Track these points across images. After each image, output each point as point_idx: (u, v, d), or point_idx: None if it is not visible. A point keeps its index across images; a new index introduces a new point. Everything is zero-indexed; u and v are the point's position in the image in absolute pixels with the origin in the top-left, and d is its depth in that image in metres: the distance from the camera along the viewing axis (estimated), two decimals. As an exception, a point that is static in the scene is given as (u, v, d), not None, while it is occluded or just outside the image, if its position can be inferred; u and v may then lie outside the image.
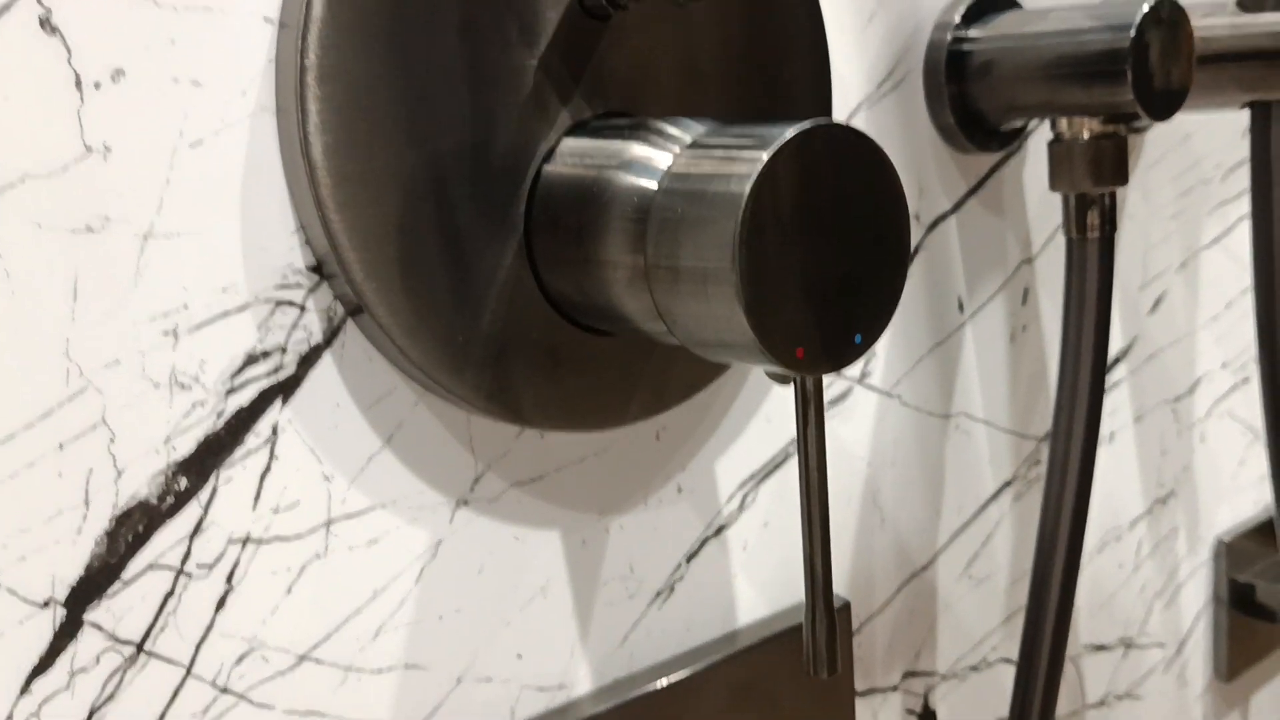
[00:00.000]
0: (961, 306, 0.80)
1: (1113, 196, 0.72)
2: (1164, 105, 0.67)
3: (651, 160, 0.52)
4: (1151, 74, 0.66)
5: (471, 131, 0.54)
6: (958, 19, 0.74)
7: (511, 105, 0.55)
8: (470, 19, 0.53)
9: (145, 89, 0.47)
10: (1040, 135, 0.81)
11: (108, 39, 0.46)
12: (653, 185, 0.51)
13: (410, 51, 0.51)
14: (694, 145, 0.51)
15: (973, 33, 0.74)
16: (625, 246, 0.52)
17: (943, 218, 0.77)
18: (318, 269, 0.52)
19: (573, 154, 0.56)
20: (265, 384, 0.51)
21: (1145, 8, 0.66)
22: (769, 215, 0.47)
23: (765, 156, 0.47)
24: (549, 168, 0.56)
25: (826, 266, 0.49)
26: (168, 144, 0.48)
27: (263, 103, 0.50)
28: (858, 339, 0.50)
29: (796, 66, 0.65)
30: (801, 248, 0.48)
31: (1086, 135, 0.70)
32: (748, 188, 0.47)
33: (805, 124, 0.48)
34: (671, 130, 0.53)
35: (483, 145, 0.54)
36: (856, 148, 0.49)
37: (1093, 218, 0.72)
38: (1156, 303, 0.95)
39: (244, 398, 0.51)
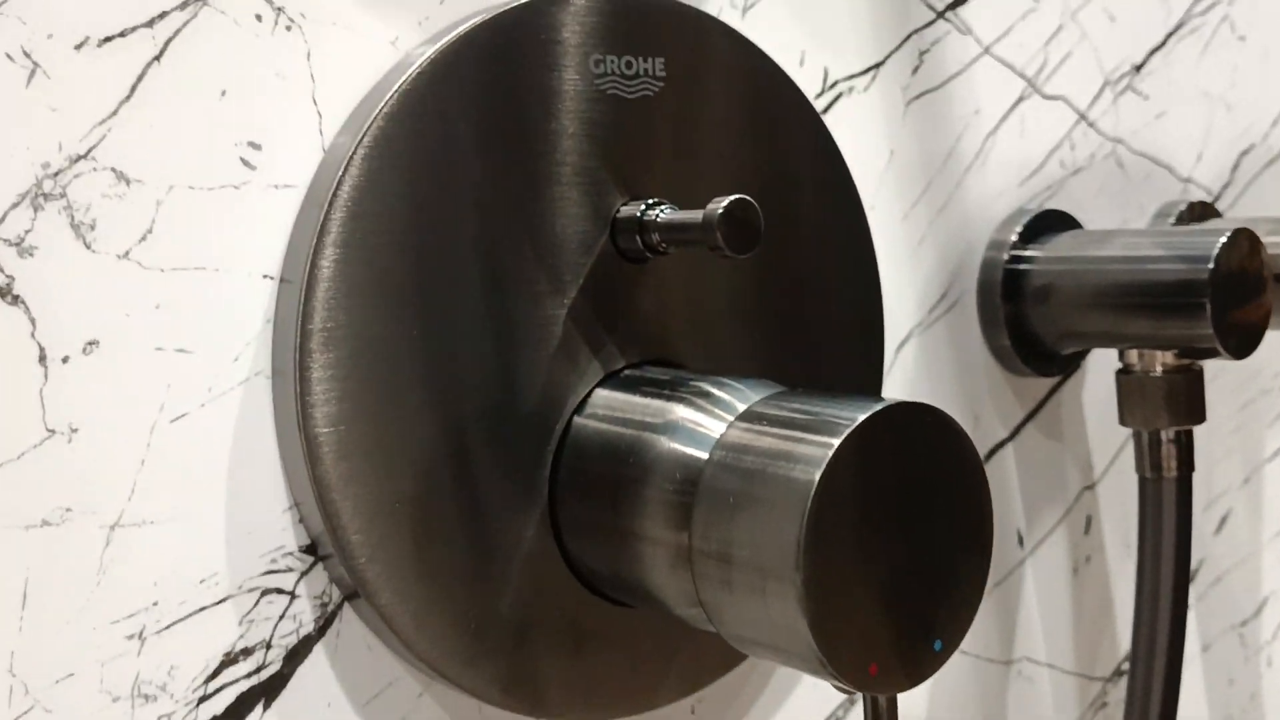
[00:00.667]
0: (1021, 541, 0.73)
1: (1189, 435, 0.65)
2: (1243, 341, 0.61)
3: (699, 426, 0.46)
4: (1230, 308, 0.61)
5: (495, 391, 0.48)
6: (1014, 238, 0.69)
7: (539, 359, 0.49)
8: (495, 271, 0.47)
9: (122, 361, 0.41)
10: (1099, 353, 0.75)
11: (80, 307, 0.40)
12: (701, 455, 0.45)
13: (429, 310, 0.46)
14: (750, 416, 0.45)
15: (1031, 252, 0.68)
16: (666, 522, 0.46)
17: (999, 446, 0.71)
18: (312, 549, 0.46)
19: (607, 408, 0.50)
20: (246, 685, 0.44)
21: (1223, 239, 0.60)
22: (838, 510, 0.40)
23: (835, 444, 0.40)
24: (580, 420, 0.50)
25: (901, 564, 0.42)
26: (145, 420, 0.42)
27: (257, 367, 0.44)
28: (937, 645, 0.43)
29: (846, 300, 0.59)
30: (874, 544, 0.41)
31: (1159, 369, 0.64)
32: (816, 477, 0.40)
33: (876, 405, 0.41)
34: (719, 393, 0.47)
35: (507, 404, 0.48)
36: (932, 428, 0.42)
37: (1168, 457, 0.65)
38: (1221, 522, 0.88)
39: (220, 704, 0.43)
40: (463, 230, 0.46)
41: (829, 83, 0.61)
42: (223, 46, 0.43)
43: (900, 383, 0.65)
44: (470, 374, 0.47)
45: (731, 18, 0.57)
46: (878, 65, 0.63)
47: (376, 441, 0.45)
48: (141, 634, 0.42)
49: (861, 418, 0.41)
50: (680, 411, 0.47)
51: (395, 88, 0.45)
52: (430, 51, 0.46)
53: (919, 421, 0.42)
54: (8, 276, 0.39)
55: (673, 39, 0.52)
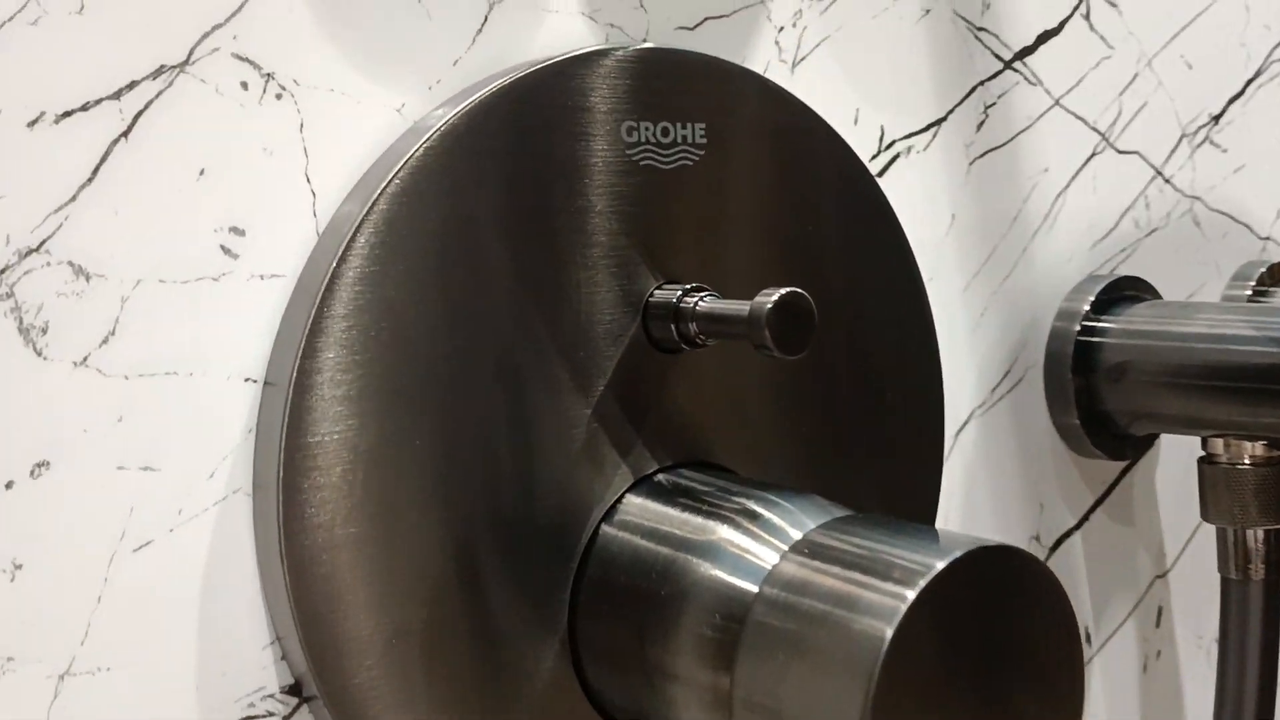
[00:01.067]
0: (1089, 638, 0.66)
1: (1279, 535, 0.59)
2: (1349, 431, 0.55)
3: (746, 554, 0.40)
4: (1334, 396, 0.54)
5: (511, 501, 0.42)
6: (1086, 307, 0.62)
7: (561, 462, 0.43)
8: (513, 365, 0.42)
9: (77, 484, 0.36)
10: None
11: (28, 425, 0.35)
12: (748, 588, 0.39)
13: (436, 415, 0.40)
14: (807, 548, 0.39)
15: (1105, 324, 0.62)
16: (703, 661, 0.40)
17: (1066, 536, 0.64)
18: (296, 690, 0.40)
19: (638, 518, 0.44)
20: (221, 847, 0.38)
21: (1328, 319, 0.54)
22: (911, 671, 0.34)
23: (909, 595, 0.34)
24: (607, 530, 0.44)
25: (980, 731, 0.36)
26: (103, 551, 0.36)
27: (235, 484, 0.38)
28: (1019, 822, 0.37)
29: (903, 383, 0.53)
30: (949, 709, 0.35)
31: (1248, 461, 0.58)
32: (887, 634, 0.34)
33: (955, 549, 0.35)
34: (769, 513, 0.41)
35: (525, 515, 0.42)
36: (1020, 575, 0.36)
37: (1256, 558, 0.59)
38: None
39: None
40: (477, 321, 0.41)
41: (885, 142, 0.55)
42: (202, 119, 0.37)
43: (960, 469, 0.59)
44: (483, 483, 0.41)
45: (779, 74, 0.51)
46: (939, 121, 0.57)
47: (373, 567, 0.39)
48: (96, 799, 0.36)
49: (940, 565, 0.35)
50: (723, 532, 0.41)
51: (402, 162, 0.39)
52: (443, 120, 0.40)
53: (1005, 568, 0.36)
54: (-58, 391, 0.33)
55: (714, 102, 0.46)
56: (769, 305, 0.40)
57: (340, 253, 0.38)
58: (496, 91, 0.41)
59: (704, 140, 0.46)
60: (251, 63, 0.38)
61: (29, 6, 0.34)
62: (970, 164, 0.58)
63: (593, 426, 0.44)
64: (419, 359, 0.40)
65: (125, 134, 0.36)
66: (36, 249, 0.35)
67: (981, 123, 0.59)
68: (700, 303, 0.44)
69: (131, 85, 0.36)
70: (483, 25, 0.43)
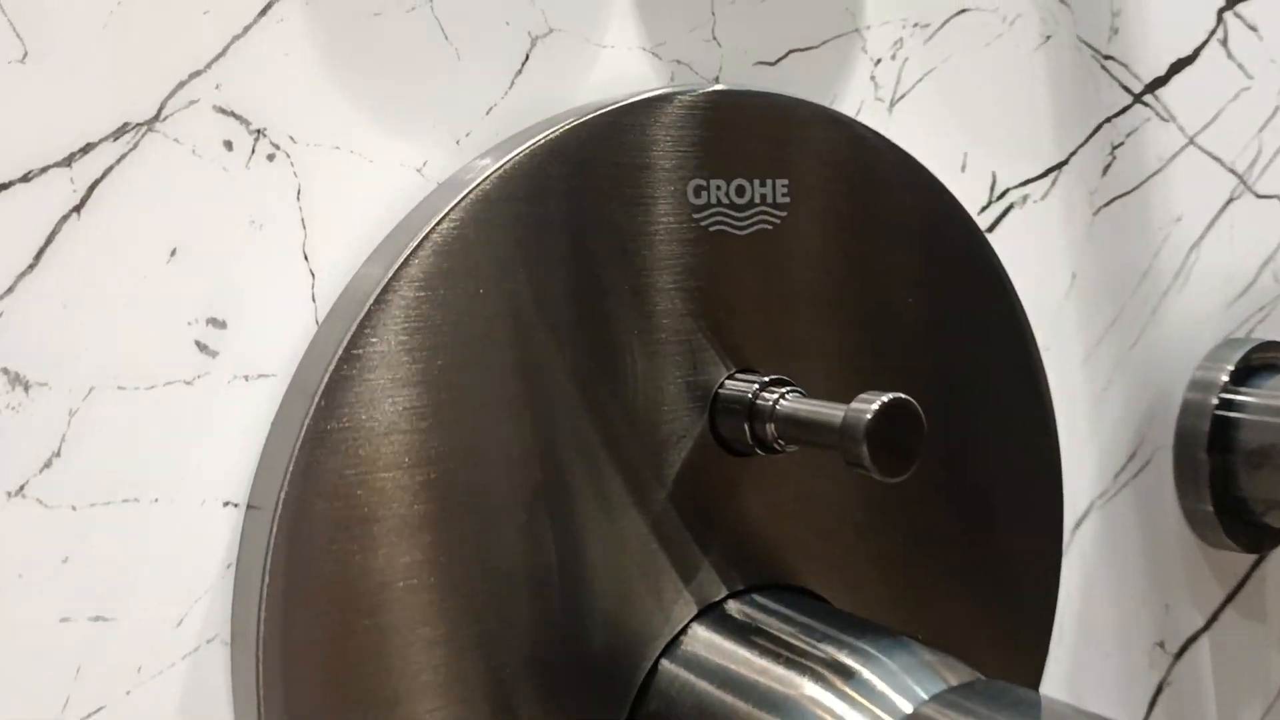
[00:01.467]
0: (1215, 754, 0.58)
1: None
2: None
3: (836, 723, 0.32)
4: None
5: (552, 635, 0.35)
6: (1224, 377, 0.54)
7: (615, 584, 0.36)
8: (557, 473, 0.34)
9: (8, 642, 0.29)
10: (1317, 513, 0.60)
11: (-49, 569, 0.28)
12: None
13: (458, 542, 0.33)
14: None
15: (1245, 396, 0.53)
16: None
17: (1193, 639, 0.56)
18: None
19: (706, 657, 0.37)
20: None
21: None
22: None
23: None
24: (668, 667, 0.37)
25: None
26: (45, 722, 0.29)
27: (210, 631, 0.31)
28: None
29: (1017, 477, 0.45)
30: None
31: None
32: None
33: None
34: (866, 671, 0.33)
35: (569, 651, 0.35)
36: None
37: None
38: None
39: None
40: (514, 423, 0.33)
41: (997, 192, 0.47)
42: (175, 188, 0.30)
43: (1077, 569, 0.51)
44: (522, 616, 0.34)
45: (875, 115, 0.43)
46: (1059, 166, 0.49)
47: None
48: None
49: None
50: (809, 689, 0.33)
51: (423, 234, 0.32)
52: (473, 183, 0.33)
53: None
54: None
55: (798, 153, 0.39)
56: (868, 416, 0.32)
57: (343, 347, 0.31)
58: (538, 147, 0.34)
59: (786, 199, 0.38)
60: (238, 117, 0.31)
61: (-46, 54, 0.28)
62: (1094, 214, 0.50)
63: (651, 543, 0.36)
64: (444, 480, 0.33)
65: (77, 208, 0.29)
66: (-37, 353, 0.28)
67: (1108, 165, 0.50)
68: (781, 401, 0.36)
69: (86, 149, 0.29)
70: (523, 65, 0.36)
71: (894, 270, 0.41)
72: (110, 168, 0.29)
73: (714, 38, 0.39)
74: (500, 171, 0.33)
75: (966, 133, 0.46)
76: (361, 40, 0.33)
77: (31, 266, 0.29)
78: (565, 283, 0.34)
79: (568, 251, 0.34)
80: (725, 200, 0.37)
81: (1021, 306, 0.45)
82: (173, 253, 0.30)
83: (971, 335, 0.44)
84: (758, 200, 0.38)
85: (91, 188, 0.29)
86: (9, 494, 0.29)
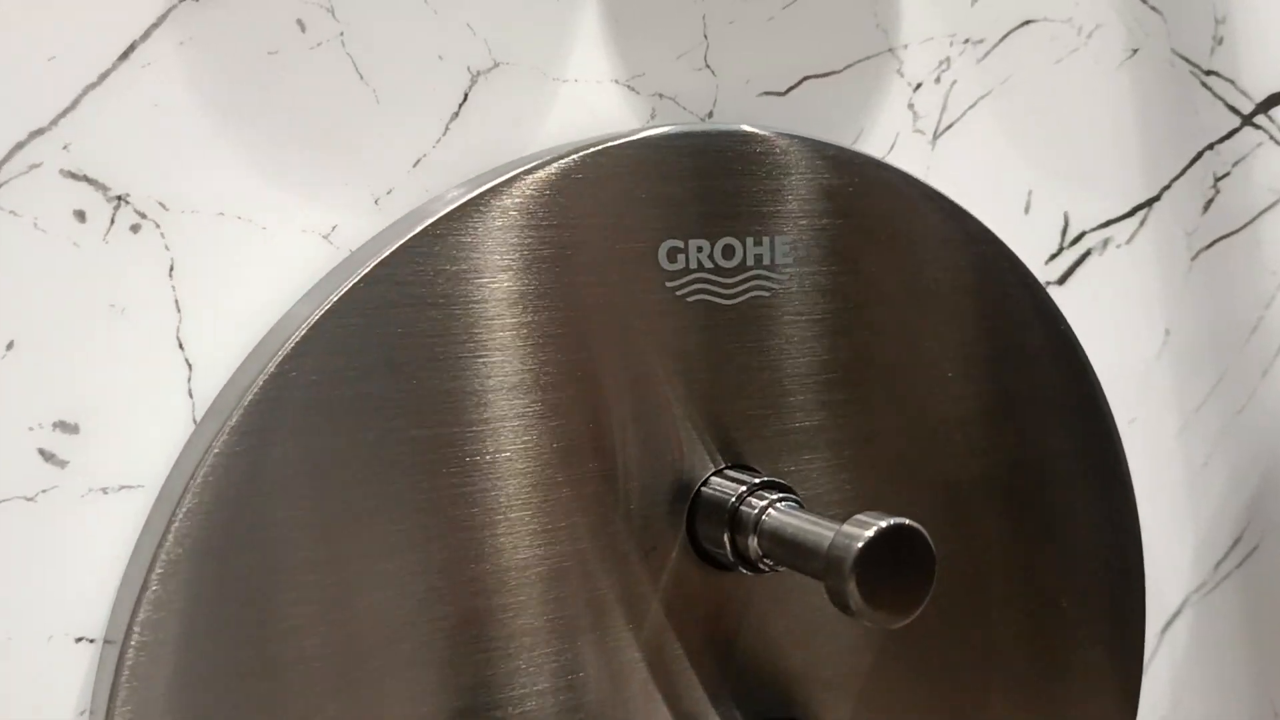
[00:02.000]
0: None
1: None
2: None
3: None
4: None
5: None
6: (1352, 451, 0.45)
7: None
8: (485, 607, 0.29)
9: None
10: None
11: None
12: None
13: (349, 687, 0.27)
14: None
15: (1379, 475, 0.45)
16: None
17: (1312, 755, 0.47)
18: None
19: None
20: None
21: None
22: None
23: None
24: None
25: None
26: None
27: (64, 790, 0.27)
28: None
29: (1088, 580, 0.38)
30: None
31: None
32: None
33: None
34: None
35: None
36: None
37: None
38: None
39: None
40: (425, 554, 0.28)
41: (1071, 236, 0.40)
42: (10, 269, 0.25)
43: (1165, 677, 0.43)
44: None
45: (914, 150, 0.36)
46: (1149, 203, 0.41)
47: None
48: None
49: None
50: None
51: (320, 313, 0.27)
52: (385, 252, 0.27)
53: None
54: None
55: (802, 204, 0.32)
56: (859, 545, 0.26)
57: (215, 450, 0.26)
58: (470, 207, 0.28)
59: (787, 261, 0.32)
60: (92, 182, 0.26)
61: None
62: (1193, 258, 0.42)
63: (635, 668, 0.31)
64: (341, 613, 0.27)
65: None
66: None
67: (1210, 201, 0.42)
68: (770, 511, 0.29)
69: (-103, 226, 0.25)
70: (460, 107, 0.30)
71: (929, 340, 0.34)
72: (-68, 250, 0.25)
73: (707, 65, 0.33)
74: (410, 241, 0.28)
75: (1032, 166, 0.38)
76: (253, 84, 0.27)
77: None
78: (507, 373, 0.29)
79: (509, 336, 0.28)
80: (708, 264, 0.31)
81: (1095, 375, 0.38)
82: (9, 345, 0.26)
83: (1031, 413, 0.36)
84: (750, 263, 0.31)
85: (-92, 273, 0.25)
86: None
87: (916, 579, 0.26)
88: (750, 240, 0.31)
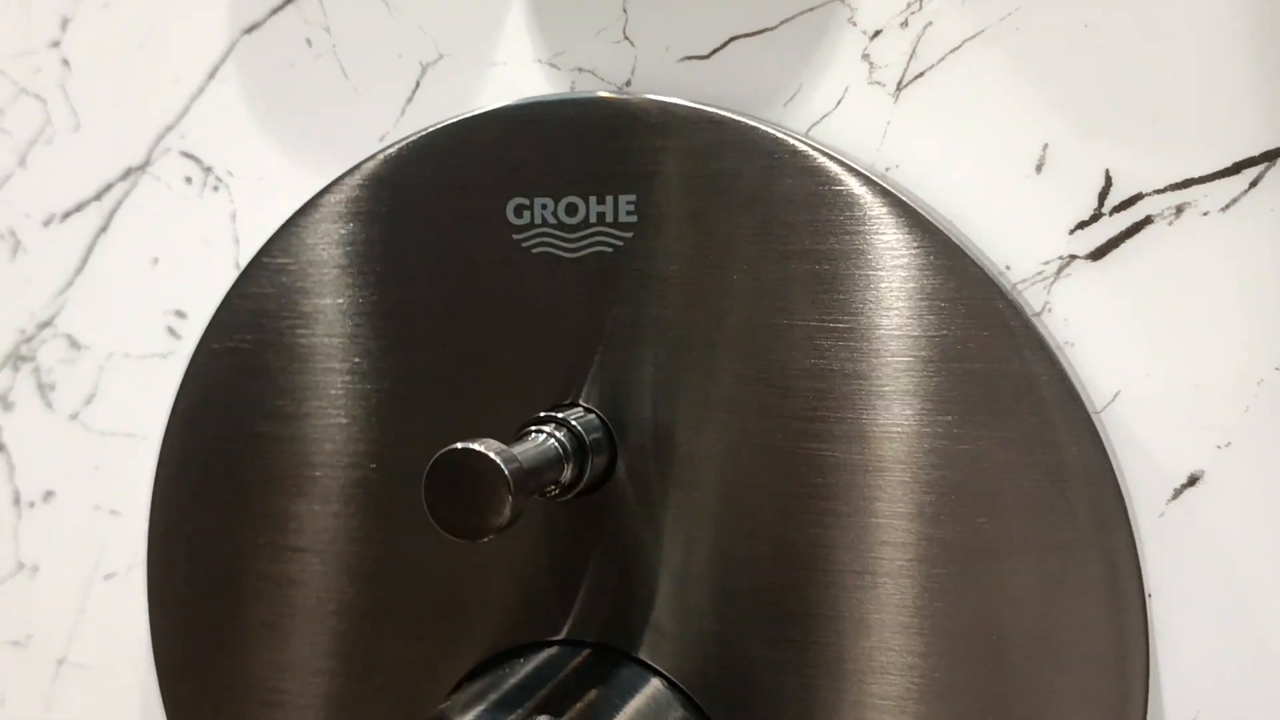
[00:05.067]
0: None
1: None
2: None
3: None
4: None
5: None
6: None
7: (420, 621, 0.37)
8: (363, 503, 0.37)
9: (70, 514, 0.44)
10: None
11: (43, 458, 0.44)
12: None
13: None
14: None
15: None
16: None
17: None
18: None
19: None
20: None
21: None
22: None
23: None
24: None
25: None
26: (83, 574, 0.44)
27: (175, 541, 0.42)
28: None
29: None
30: None
31: None
32: None
33: None
34: None
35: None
36: None
37: None
38: None
39: None
40: (327, 429, 0.38)
41: (1115, 200, 0.31)
42: (157, 214, 0.42)
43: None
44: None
45: (870, 105, 0.33)
46: (1266, 158, 0.30)
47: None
48: (77, 766, 0.44)
49: None
50: None
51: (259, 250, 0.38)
52: (311, 199, 0.38)
53: None
54: (-5, 426, 0.45)
55: (648, 165, 0.33)
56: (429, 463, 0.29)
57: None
58: (360, 170, 0.37)
59: (630, 220, 0.34)
60: (195, 159, 0.41)
61: (45, 129, 0.43)
62: (1369, 233, 0.30)
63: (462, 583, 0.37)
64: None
65: (104, 229, 0.42)
66: (48, 323, 0.43)
67: None
68: (530, 432, 0.33)
69: (109, 187, 0.42)
70: (413, 92, 0.38)
71: (780, 303, 0.32)
72: (121, 200, 0.42)
73: (625, 37, 0.36)
74: (318, 196, 0.37)
75: (1051, 112, 0.32)
76: (281, 89, 0.40)
77: (80, 268, 0.43)
78: (379, 301, 0.37)
79: (382, 271, 0.36)
80: (552, 220, 0.35)
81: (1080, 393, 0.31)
82: (155, 261, 0.42)
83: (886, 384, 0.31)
84: (593, 220, 0.34)
85: (111, 213, 0.42)
86: (69, 416, 0.43)
87: (477, 499, 0.29)
88: (594, 199, 0.34)
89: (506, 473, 0.29)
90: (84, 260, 0.43)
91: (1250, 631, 0.32)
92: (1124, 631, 0.31)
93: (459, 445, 0.29)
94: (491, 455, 0.29)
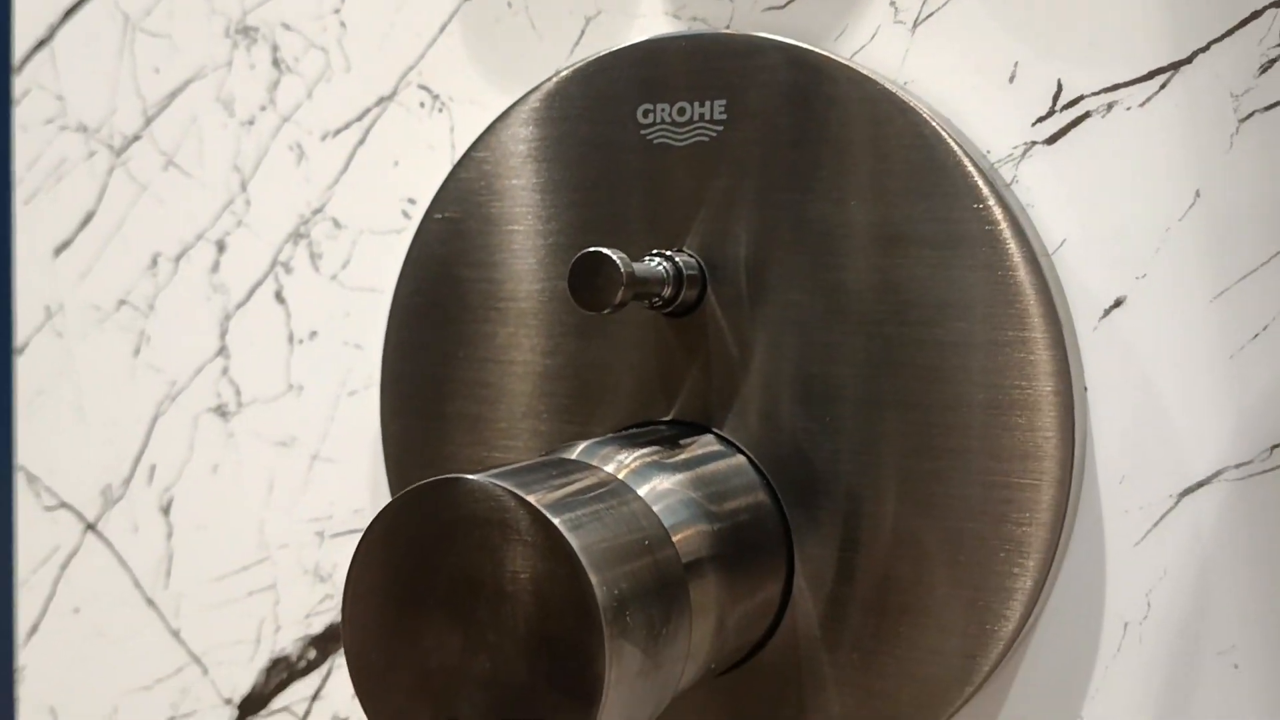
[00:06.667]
0: None
1: None
2: None
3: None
4: None
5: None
6: None
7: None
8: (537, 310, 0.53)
9: (327, 348, 0.61)
10: None
11: (311, 307, 0.61)
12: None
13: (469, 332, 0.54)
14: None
15: None
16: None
17: None
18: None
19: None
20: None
21: None
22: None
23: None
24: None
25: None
26: (334, 391, 0.61)
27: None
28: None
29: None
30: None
31: None
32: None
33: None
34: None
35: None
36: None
37: None
38: None
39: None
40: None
41: (1064, 101, 0.44)
42: (400, 130, 0.58)
43: (1169, 551, 0.42)
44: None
45: (891, 41, 0.47)
46: (1175, 66, 0.42)
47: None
48: (323, 534, 0.61)
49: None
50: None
51: (458, 160, 0.54)
52: (506, 108, 0.53)
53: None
54: (279, 284, 0.62)
55: (738, 78, 0.48)
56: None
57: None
58: (543, 89, 0.52)
59: (723, 116, 0.48)
60: (427, 89, 0.57)
61: (326, 71, 0.60)
62: (1242, 121, 0.41)
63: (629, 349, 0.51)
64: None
65: (363, 141, 0.59)
66: (319, 210, 0.61)
67: (1267, 65, 0.41)
68: (641, 262, 0.47)
69: (366, 111, 0.59)
70: (580, 37, 0.53)
71: (832, 184, 0.46)
72: (376, 120, 0.59)
73: (728, -6, 0.50)
74: (502, 114, 0.53)
75: (1020, 41, 0.45)
76: (489, 39, 0.56)
77: (344, 170, 0.60)
78: (547, 180, 0.52)
79: (550, 159, 0.52)
80: (667, 119, 0.49)
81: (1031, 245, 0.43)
82: (395, 163, 0.58)
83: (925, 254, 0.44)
84: (696, 118, 0.48)
85: (367, 131, 0.59)
86: (330, 277, 0.61)
87: (600, 282, 0.43)
88: (697, 103, 0.48)
89: (620, 267, 0.43)
90: (347, 164, 0.60)
91: (1159, 415, 0.43)
92: (1067, 410, 0.43)
93: (594, 248, 0.44)
94: (612, 255, 0.43)
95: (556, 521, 0.36)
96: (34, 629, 0.71)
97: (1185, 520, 0.43)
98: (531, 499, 0.36)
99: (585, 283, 0.44)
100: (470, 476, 0.38)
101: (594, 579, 0.36)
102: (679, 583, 0.40)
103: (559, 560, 0.36)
